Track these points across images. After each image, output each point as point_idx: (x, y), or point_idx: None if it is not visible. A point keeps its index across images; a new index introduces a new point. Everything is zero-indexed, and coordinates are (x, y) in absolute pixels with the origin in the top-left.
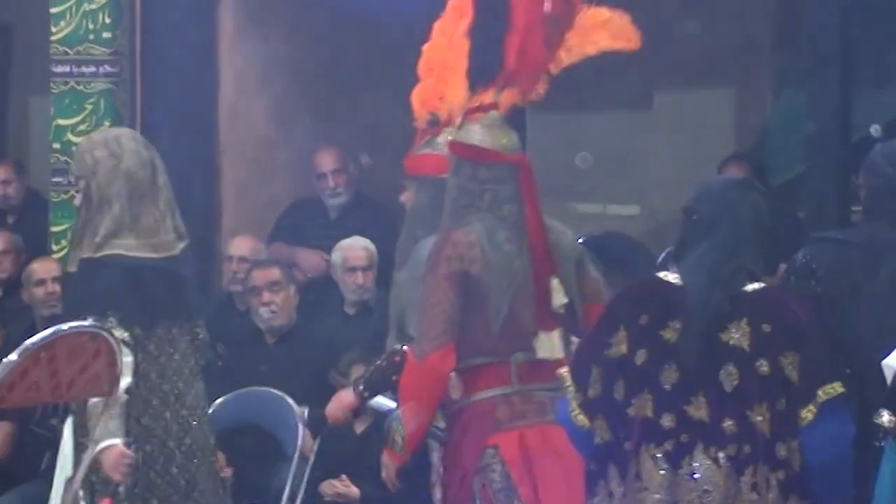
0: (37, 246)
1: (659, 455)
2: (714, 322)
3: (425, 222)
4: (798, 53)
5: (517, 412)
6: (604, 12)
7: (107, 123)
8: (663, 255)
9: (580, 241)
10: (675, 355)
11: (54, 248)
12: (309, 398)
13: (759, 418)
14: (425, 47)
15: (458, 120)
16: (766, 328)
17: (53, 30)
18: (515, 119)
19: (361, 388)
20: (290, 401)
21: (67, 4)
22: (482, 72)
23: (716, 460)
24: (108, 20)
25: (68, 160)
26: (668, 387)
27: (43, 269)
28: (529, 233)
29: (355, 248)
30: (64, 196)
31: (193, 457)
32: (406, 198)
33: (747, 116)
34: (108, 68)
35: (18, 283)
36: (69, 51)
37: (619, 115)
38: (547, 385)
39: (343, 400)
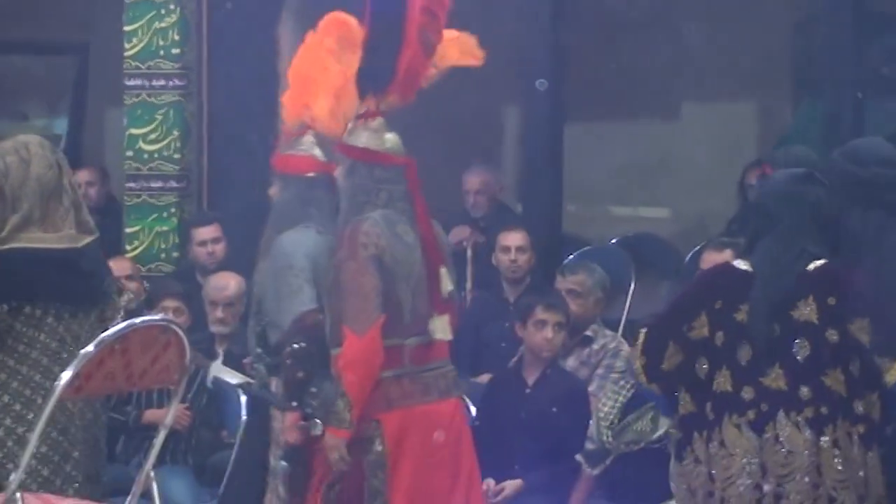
0: (112, 246)
1: (742, 423)
2: (784, 302)
3: (288, 217)
4: (815, 67)
5: (406, 392)
6: (453, 32)
7: (175, 132)
8: (690, 254)
9: (613, 241)
10: (748, 335)
11: (128, 248)
12: None
13: (834, 381)
14: (295, 57)
15: (349, 125)
16: (832, 301)
17: (127, 46)
18: (553, 127)
19: (289, 402)
20: None
21: (140, 23)
22: (373, 81)
23: (796, 424)
24: (177, 37)
25: (140, 167)
26: (744, 363)
27: (117, 267)
28: (421, 226)
29: None
30: (137, 200)
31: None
32: (273, 192)
33: (768, 125)
34: (177, 82)
35: None
36: (141, 66)
37: (649, 124)
38: (434, 365)
39: (289, 423)
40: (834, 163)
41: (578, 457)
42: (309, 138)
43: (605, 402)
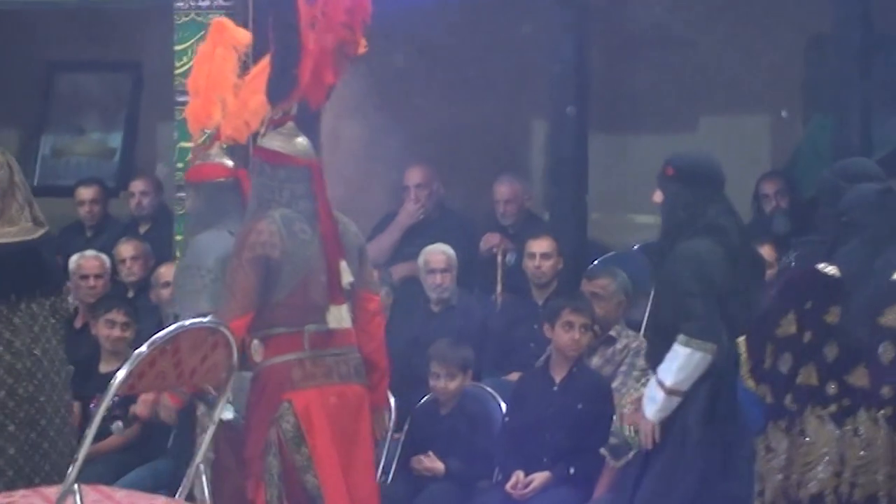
0: (164, 253)
1: (824, 415)
2: (872, 308)
3: (203, 222)
4: (824, 83)
5: (308, 374)
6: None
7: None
8: None
9: (636, 247)
10: (836, 335)
11: (177, 254)
12: (397, 388)
13: None
14: (192, 70)
15: (262, 129)
16: None
17: (177, 65)
18: (579, 140)
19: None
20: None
21: (188, 43)
22: (278, 90)
23: (875, 420)
24: None
25: None
26: (830, 360)
27: (168, 272)
28: (321, 223)
29: (436, 252)
30: (182, 210)
31: (44, 414)
32: (188, 205)
33: (781, 138)
34: None
35: (147, 285)
36: None
37: (668, 137)
38: (335, 351)
39: (142, 399)
40: (825, 179)
41: (603, 450)
42: (216, 149)
43: (628, 398)
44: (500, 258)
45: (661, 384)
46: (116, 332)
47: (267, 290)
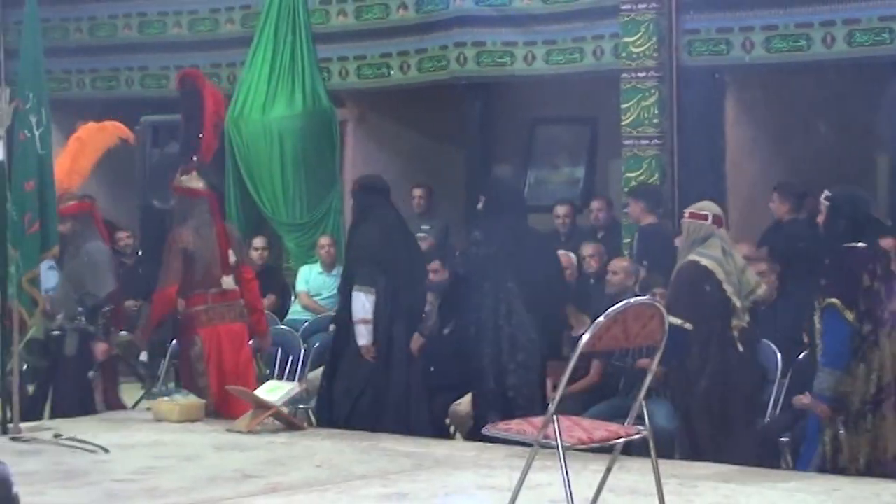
0: (615, 251)
1: None
2: None
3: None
4: None
5: (210, 317)
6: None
7: (656, 175)
8: None
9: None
10: None
11: (625, 253)
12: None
13: None
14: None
15: (179, 176)
16: None
17: (623, 118)
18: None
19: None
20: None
21: (631, 102)
22: (187, 151)
23: None
24: (656, 111)
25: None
26: None
27: (618, 265)
28: (216, 227)
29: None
30: (630, 220)
31: None
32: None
33: None
34: (656, 141)
35: (604, 274)
36: (632, 130)
37: None
38: (226, 304)
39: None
40: None
41: None
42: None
43: None
44: None
45: (353, 320)
46: None
47: (187, 268)
